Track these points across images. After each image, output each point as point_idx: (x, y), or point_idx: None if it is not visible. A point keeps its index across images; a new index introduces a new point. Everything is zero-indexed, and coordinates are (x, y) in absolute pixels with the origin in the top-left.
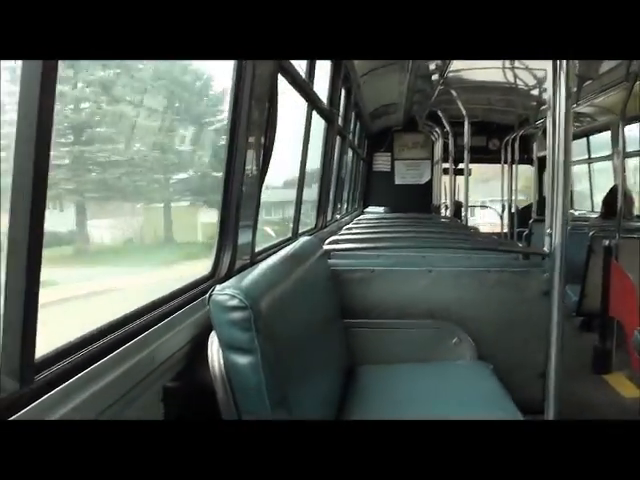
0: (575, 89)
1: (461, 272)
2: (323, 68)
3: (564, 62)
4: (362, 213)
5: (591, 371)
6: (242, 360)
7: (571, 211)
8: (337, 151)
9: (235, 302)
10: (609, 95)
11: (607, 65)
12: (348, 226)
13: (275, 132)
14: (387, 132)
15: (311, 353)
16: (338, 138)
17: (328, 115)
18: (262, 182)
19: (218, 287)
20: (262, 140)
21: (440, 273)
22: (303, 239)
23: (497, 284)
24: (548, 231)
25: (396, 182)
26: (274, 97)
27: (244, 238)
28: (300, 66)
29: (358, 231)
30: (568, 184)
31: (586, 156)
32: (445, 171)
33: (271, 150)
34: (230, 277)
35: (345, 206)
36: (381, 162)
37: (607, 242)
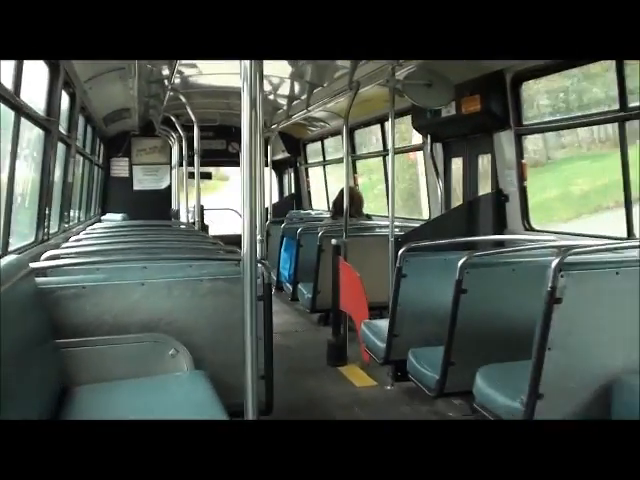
0: (305, 96)
1: (174, 283)
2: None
3: (246, 66)
4: (99, 221)
5: (327, 364)
6: None
7: (309, 211)
8: (62, 157)
9: None
10: (338, 102)
11: (336, 73)
12: (77, 237)
13: None
14: (124, 137)
15: (9, 382)
16: (63, 145)
17: (44, 123)
18: None
19: None
20: None
21: (153, 285)
22: (7, 258)
23: (210, 293)
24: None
25: (135, 188)
26: None
27: None
28: None
29: (86, 242)
30: (253, 190)
31: (321, 158)
32: (191, 175)
33: None
34: None
35: (77, 214)
36: (119, 167)
37: (335, 241)
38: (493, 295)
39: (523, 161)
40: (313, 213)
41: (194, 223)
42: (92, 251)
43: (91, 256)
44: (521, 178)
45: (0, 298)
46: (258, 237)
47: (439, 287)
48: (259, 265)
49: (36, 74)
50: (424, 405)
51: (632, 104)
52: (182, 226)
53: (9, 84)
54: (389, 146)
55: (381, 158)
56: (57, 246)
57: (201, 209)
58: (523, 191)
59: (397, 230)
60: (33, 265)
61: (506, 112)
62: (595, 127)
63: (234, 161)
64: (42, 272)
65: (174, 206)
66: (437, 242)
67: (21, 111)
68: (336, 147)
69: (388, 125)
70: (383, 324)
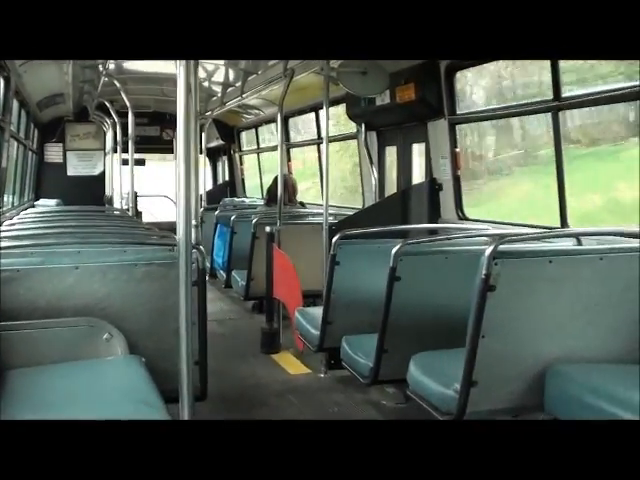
0: (240, 83)
1: (109, 267)
2: None
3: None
4: (32, 207)
5: (261, 351)
6: None
7: (243, 199)
8: None
9: None
10: (273, 89)
11: (270, 61)
12: (10, 222)
13: None
14: (59, 122)
15: None
16: None
17: None
18: None
19: None
20: None
21: (88, 269)
22: None
23: (146, 277)
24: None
25: (69, 173)
26: None
27: None
28: None
29: (20, 227)
30: (189, 177)
31: (255, 146)
32: (125, 162)
33: None
34: None
35: (10, 199)
36: (53, 153)
37: (269, 228)
38: (427, 283)
39: (457, 150)
40: (247, 201)
41: (128, 209)
42: (26, 235)
43: (25, 240)
44: (455, 167)
45: None
46: (193, 223)
47: (373, 275)
48: (193, 250)
49: None
50: (358, 393)
51: (565, 94)
52: (116, 212)
53: None
54: (323, 134)
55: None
56: None
57: (135, 195)
58: (457, 180)
59: (331, 218)
60: None
61: (440, 101)
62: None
63: (168, 148)
64: None
65: (108, 192)
66: (371, 230)
67: None
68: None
69: (322, 113)
70: (317, 312)
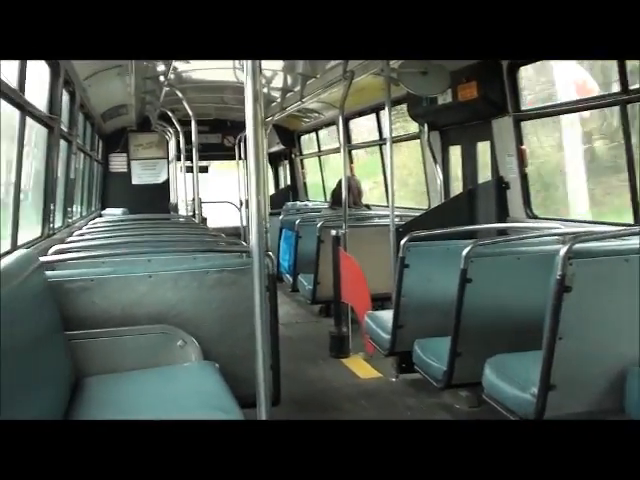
0: (299, 87)
1: (180, 275)
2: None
3: (249, 62)
4: (99, 216)
5: (330, 355)
6: None
7: (305, 202)
8: (64, 154)
9: None
10: (332, 92)
11: (329, 64)
12: (80, 232)
13: None
14: (122, 133)
15: (22, 372)
16: (64, 142)
17: (47, 121)
18: None
19: None
20: None
21: (160, 277)
22: (17, 253)
23: (217, 284)
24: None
25: (133, 182)
26: None
27: None
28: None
29: (89, 237)
30: (261, 182)
31: (316, 150)
32: (189, 169)
33: None
34: None
35: (79, 209)
36: (118, 163)
37: (334, 232)
38: (499, 284)
39: (523, 147)
40: (310, 204)
41: (193, 216)
42: (97, 245)
43: (97, 250)
44: (521, 164)
45: (13, 292)
46: None
47: (443, 276)
48: None
49: (33, 73)
50: (430, 397)
51: (633, 86)
52: (181, 219)
53: (13, 83)
54: (386, 135)
55: None
56: (62, 241)
57: (199, 202)
58: (524, 178)
59: (397, 220)
60: (43, 259)
61: (504, 98)
62: None
63: (230, 155)
64: (50, 266)
65: (172, 199)
66: (440, 231)
67: (26, 110)
68: (332, 138)
69: (383, 114)
70: (387, 315)
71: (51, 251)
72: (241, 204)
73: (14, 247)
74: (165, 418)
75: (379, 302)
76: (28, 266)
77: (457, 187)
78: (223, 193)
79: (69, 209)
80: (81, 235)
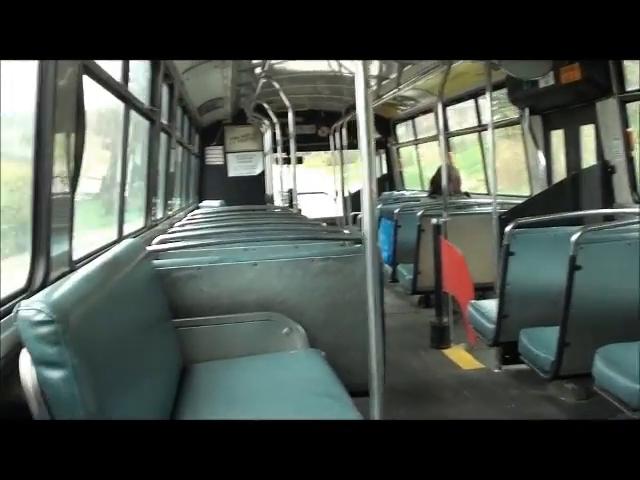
0: (396, 74)
1: (285, 263)
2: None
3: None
4: (197, 208)
5: (431, 346)
6: (54, 374)
7: (402, 191)
8: (164, 148)
9: (42, 317)
10: (428, 78)
11: None
12: (180, 223)
13: (84, 133)
14: (218, 126)
15: (136, 358)
16: (164, 135)
17: (149, 114)
18: (75, 184)
19: (25, 302)
20: (72, 142)
21: (265, 265)
22: (126, 242)
23: (322, 272)
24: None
25: (229, 174)
26: (81, 98)
27: (60, 245)
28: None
29: (190, 227)
30: (373, 167)
31: (412, 138)
32: (285, 160)
33: (82, 151)
34: (45, 289)
35: (178, 202)
36: (214, 155)
37: (435, 220)
38: (610, 271)
39: (629, 129)
40: (407, 193)
41: (290, 206)
42: (198, 235)
43: (199, 239)
44: (627, 148)
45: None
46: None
47: (549, 264)
48: None
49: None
50: (534, 389)
51: None
52: (276, 210)
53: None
54: (487, 120)
55: None
56: (164, 231)
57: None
58: (631, 161)
59: (498, 207)
60: (149, 248)
61: (608, 79)
62: None
63: (324, 145)
64: (155, 255)
65: (268, 191)
66: (546, 217)
67: (130, 102)
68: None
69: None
70: (491, 305)
71: (155, 241)
72: (336, 194)
73: (120, 237)
74: (273, 404)
75: (480, 292)
76: (137, 254)
77: (560, 172)
78: (308, 185)
79: (169, 201)
80: (182, 226)
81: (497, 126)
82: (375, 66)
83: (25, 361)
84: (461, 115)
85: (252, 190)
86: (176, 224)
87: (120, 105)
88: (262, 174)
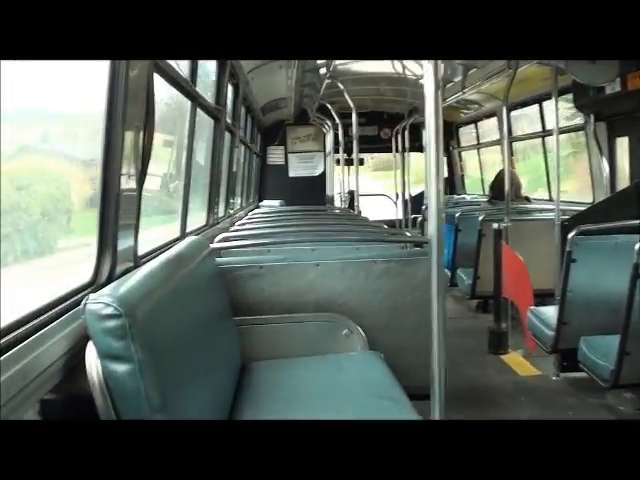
0: (460, 77)
1: (347, 264)
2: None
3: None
4: (257, 207)
5: (488, 352)
6: (119, 368)
7: (463, 196)
8: (227, 147)
9: (110, 310)
10: (493, 82)
11: None
12: (241, 222)
13: (153, 131)
14: (280, 126)
15: (198, 354)
16: (228, 134)
17: (214, 112)
18: (142, 182)
19: (93, 295)
20: (140, 139)
21: (327, 266)
22: (189, 239)
23: (384, 274)
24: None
25: (290, 175)
26: (151, 96)
27: (126, 241)
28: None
29: (251, 226)
30: (441, 171)
31: (475, 142)
32: (347, 162)
33: (150, 149)
34: (111, 283)
35: (239, 201)
36: (275, 155)
37: (496, 225)
38: None
39: None
40: (468, 197)
41: (350, 207)
42: (259, 234)
43: (261, 238)
44: None
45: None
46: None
47: (612, 272)
48: None
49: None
50: (592, 397)
51: None
52: (337, 210)
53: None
54: (553, 126)
55: None
56: (225, 230)
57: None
58: None
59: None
60: (212, 246)
61: None
62: None
63: (386, 147)
64: (217, 253)
65: (328, 192)
66: (610, 225)
67: (197, 101)
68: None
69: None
70: (551, 311)
71: (217, 239)
72: (397, 197)
73: (183, 234)
74: (332, 405)
75: (539, 298)
76: (201, 252)
77: (623, 180)
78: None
79: (231, 200)
80: (242, 225)
81: (563, 132)
82: (439, 69)
83: (91, 354)
84: (516, 122)
85: (312, 191)
86: (237, 223)
87: (181, 103)
88: (322, 175)
